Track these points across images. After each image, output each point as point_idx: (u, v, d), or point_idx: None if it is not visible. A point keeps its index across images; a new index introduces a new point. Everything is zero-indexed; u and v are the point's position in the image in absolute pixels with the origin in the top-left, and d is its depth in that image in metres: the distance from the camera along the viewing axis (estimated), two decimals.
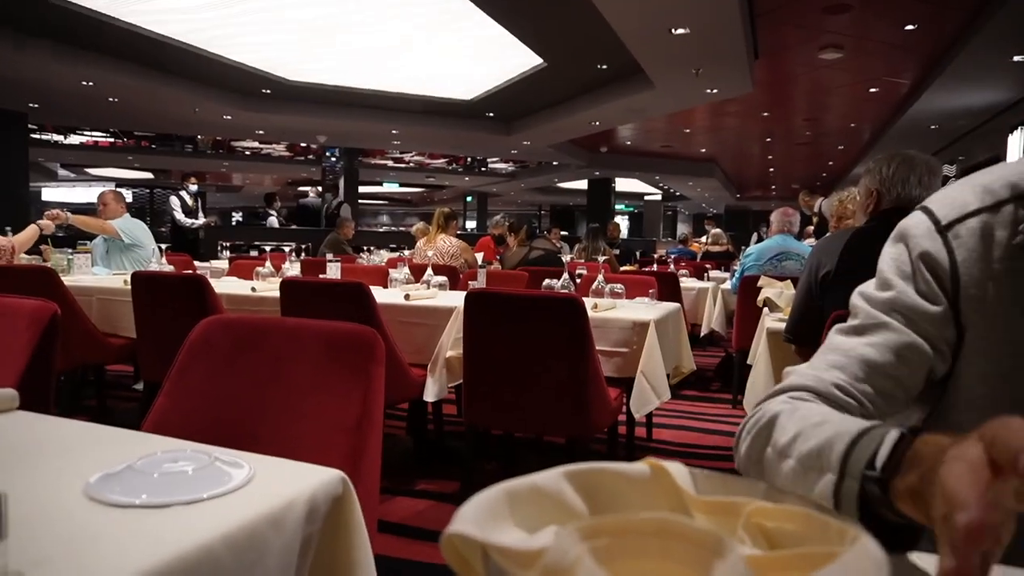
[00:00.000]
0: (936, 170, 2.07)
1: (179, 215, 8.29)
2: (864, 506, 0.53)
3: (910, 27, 6.09)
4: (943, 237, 0.73)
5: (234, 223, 19.89)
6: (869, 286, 0.80)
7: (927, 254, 0.74)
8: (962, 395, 0.73)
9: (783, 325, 2.57)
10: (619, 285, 3.23)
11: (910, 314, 0.73)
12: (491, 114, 10.74)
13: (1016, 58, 6.49)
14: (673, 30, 5.85)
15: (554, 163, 15.44)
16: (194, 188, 8.49)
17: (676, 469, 0.46)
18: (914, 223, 0.77)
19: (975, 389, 0.72)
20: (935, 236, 0.74)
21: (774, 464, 0.64)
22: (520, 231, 5.54)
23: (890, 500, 0.51)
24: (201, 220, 8.42)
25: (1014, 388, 0.70)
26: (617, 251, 8.37)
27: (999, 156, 9.19)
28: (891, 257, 0.78)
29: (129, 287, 3.03)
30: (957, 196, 0.75)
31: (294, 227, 11.04)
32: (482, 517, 0.37)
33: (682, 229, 25.77)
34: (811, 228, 8.44)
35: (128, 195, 18.52)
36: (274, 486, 0.78)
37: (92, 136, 13.75)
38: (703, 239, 9.09)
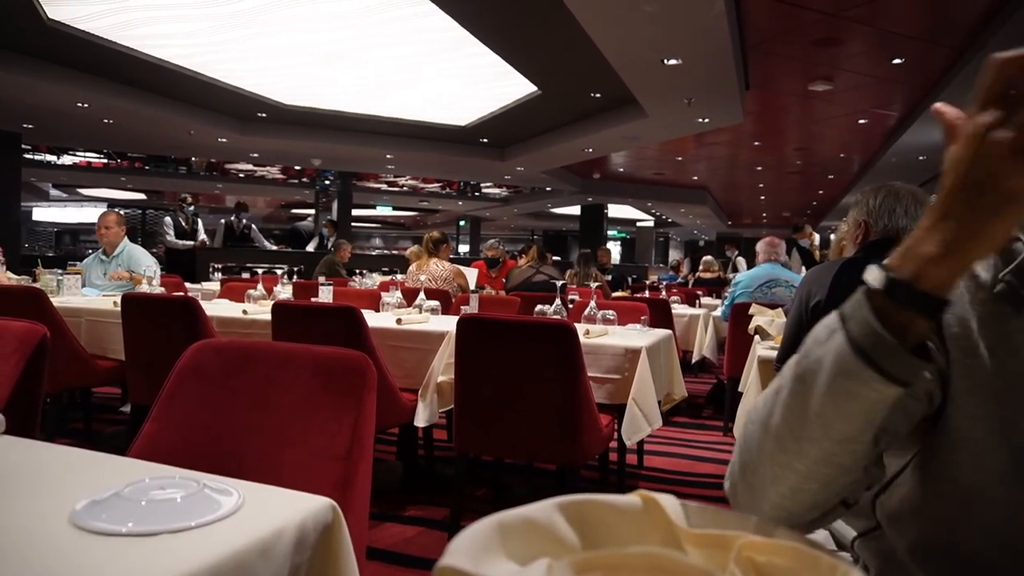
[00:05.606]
0: (922, 200, 2.09)
1: (170, 237, 8.11)
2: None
3: (898, 61, 6.21)
4: None
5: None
6: None
7: None
8: (951, 436, 0.71)
9: (774, 353, 2.58)
10: (611, 311, 3.23)
11: None
12: (485, 140, 10.83)
13: None
14: (665, 61, 5.94)
15: (547, 189, 15.54)
16: (191, 209, 8.29)
17: (667, 501, 0.46)
18: None
19: (962, 430, 0.70)
20: None
21: (805, 391, 0.64)
22: (531, 251, 6.12)
23: (912, 288, 0.54)
24: (199, 239, 8.23)
25: (1004, 430, 0.66)
26: (609, 277, 8.37)
27: None
28: None
29: (119, 309, 3.02)
30: None
31: (289, 249, 11.01)
32: (474, 549, 0.37)
33: (674, 255, 25.91)
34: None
35: None
36: (263, 514, 0.77)
37: (85, 156, 13.75)
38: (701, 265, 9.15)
